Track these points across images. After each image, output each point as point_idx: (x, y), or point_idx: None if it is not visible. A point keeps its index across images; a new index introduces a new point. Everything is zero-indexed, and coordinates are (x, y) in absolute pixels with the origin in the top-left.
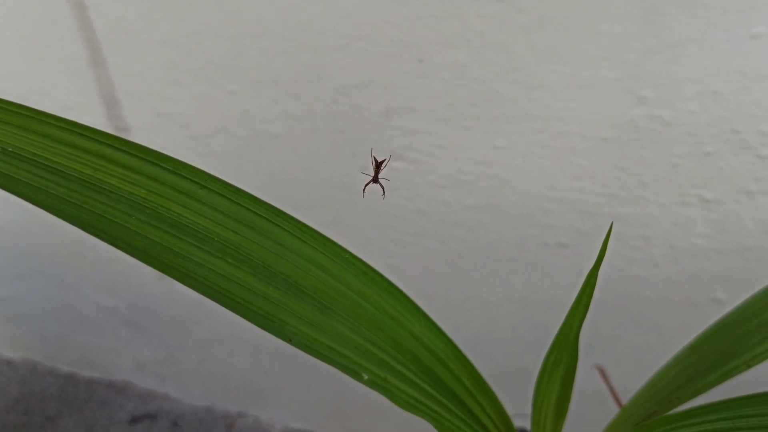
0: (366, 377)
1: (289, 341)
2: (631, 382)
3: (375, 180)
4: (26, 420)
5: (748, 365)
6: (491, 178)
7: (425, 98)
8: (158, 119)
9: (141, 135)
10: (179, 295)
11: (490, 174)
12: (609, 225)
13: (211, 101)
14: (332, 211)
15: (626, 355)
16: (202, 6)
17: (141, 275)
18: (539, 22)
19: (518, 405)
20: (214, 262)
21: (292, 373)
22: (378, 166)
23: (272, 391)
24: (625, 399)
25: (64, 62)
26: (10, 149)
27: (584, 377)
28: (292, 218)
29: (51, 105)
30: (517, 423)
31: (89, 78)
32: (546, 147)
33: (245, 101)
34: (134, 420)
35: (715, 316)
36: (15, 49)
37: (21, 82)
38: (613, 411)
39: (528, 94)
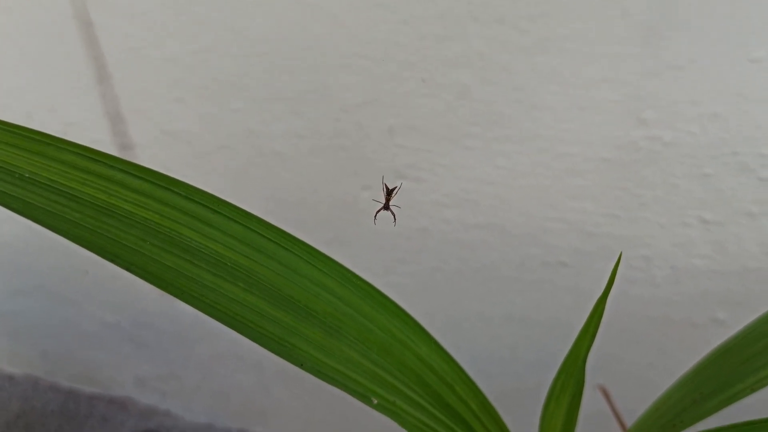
0: (375, 401)
1: (300, 366)
2: (634, 402)
3: (386, 207)
4: None
5: (752, 389)
6: (493, 198)
7: (428, 117)
8: (162, 136)
9: (145, 151)
10: (182, 312)
11: (491, 193)
12: (609, 245)
13: (215, 119)
14: (334, 229)
15: (628, 375)
16: (208, 24)
17: (144, 292)
18: (541, 43)
19: (518, 426)
20: (225, 287)
21: (294, 391)
22: (389, 193)
23: (274, 409)
24: (628, 419)
25: (69, 79)
26: (27, 175)
27: (587, 398)
28: (302, 242)
29: (55, 121)
30: None
31: (94, 94)
32: (547, 167)
33: (249, 119)
34: None
35: (716, 336)
36: (20, 65)
37: (26, 97)
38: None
39: (529, 114)
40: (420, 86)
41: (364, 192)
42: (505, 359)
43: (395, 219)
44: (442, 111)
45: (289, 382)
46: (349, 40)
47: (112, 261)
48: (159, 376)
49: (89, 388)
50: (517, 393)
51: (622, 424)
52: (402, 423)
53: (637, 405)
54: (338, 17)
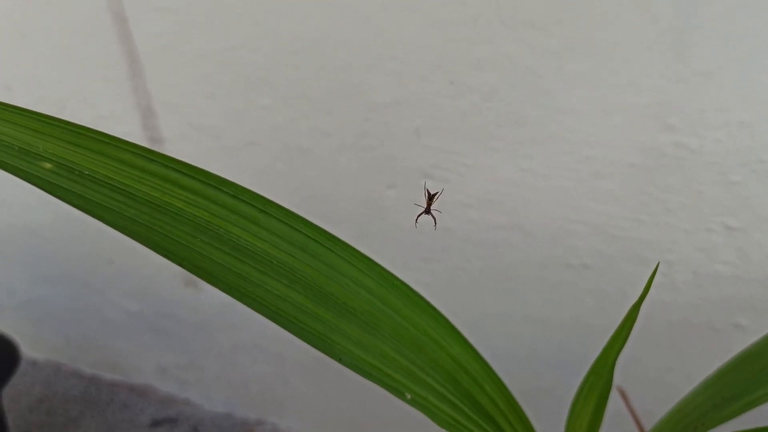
0: (409, 396)
1: (339, 360)
2: (652, 404)
3: (427, 211)
4: (49, 420)
5: None
6: (517, 199)
7: (454, 118)
8: (191, 130)
9: (174, 145)
10: (204, 303)
11: (516, 194)
12: (632, 249)
13: (243, 114)
14: (358, 226)
15: (647, 378)
16: (239, 22)
17: (167, 282)
18: (569, 48)
19: (537, 424)
20: (270, 283)
21: (312, 382)
22: (431, 198)
23: (292, 399)
24: (645, 420)
25: (103, 72)
26: (87, 172)
27: None
28: (343, 242)
29: (88, 113)
30: None
31: (126, 88)
32: (572, 170)
33: (276, 115)
34: (155, 424)
35: (736, 341)
36: (56, 57)
37: (60, 89)
38: None
39: (555, 117)
40: (447, 88)
41: (389, 190)
42: (523, 358)
43: (436, 223)
44: (468, 112)
45: (308, 373)
46: (378, 42)
47: (166, 256)
48: (180, 365)
49: (111, 375)
50: (536, 391)
51: (639, 425)
52: (433, 417)
53: (654, 406)
54: (369, 19)
